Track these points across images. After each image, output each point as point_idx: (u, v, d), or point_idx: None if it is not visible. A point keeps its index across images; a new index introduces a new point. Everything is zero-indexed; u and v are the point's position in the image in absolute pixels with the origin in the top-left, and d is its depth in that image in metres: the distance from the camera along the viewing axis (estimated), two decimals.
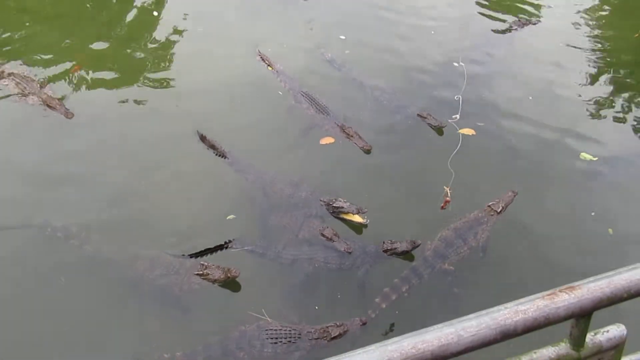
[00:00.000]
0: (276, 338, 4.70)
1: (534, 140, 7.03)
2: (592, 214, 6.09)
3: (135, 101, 7.13)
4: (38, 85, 7.00)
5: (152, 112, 6.99)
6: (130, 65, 7.74)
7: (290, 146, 6.72)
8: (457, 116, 7.07)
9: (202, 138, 6.56)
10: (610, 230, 5.91)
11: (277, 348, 4.69)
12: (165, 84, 7.42)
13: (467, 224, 5.66)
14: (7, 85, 6.98)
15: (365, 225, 5.77)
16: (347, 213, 5.79)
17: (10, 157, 6.28)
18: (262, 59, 7.90)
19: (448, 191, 5.84)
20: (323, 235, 5.56)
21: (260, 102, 7.23)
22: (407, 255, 5.50)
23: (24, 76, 7.07)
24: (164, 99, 7.20)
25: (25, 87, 6.91)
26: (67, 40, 7.93)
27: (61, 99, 6.88)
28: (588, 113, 7.56)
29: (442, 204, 5.80)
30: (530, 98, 7.74)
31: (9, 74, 7.08)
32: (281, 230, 5.72)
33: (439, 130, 6.96)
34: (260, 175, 6.21)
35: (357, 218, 5.77)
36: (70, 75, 7.36)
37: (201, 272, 5.10)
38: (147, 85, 7.39)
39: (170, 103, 7.14)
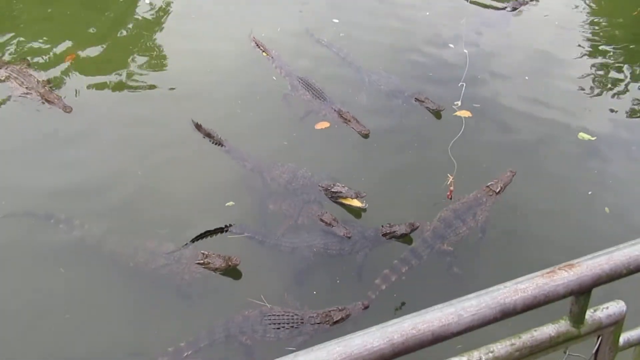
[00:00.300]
0: (279, 323, 4.74)
1: (531, 121, 7.01)
2: (589, 193, 6.11)
3: (127, 86, 7.10)
4: (36, 80, 6.96)
5: (146, 105, 6.93)
6: (125, 59, 7.70)
7: (288, 132, 6.69)
8: (459, 102, 7.02)
9: (198, 127, 6.52)
10: (607, 209, 5.93)
11: (280, 333, 4.72)
12: (160, 77, 7.35)
13: (466, 204, 5.66)
14: (4, 80, 6.94)
15: (364, 210, 5.77)
16: (345, 198, 5.78)
17: (8, 153, 6.26)
18: (257, 45, 7.83)
19: (451, 179, 5.80)
20: (322, 220, 5.56)
21: (255, 89, 7.18)
22: (406, 238, 5.52)
23: (22, 71, 7.03)
24: (158, 91, 7.13)
25: (23, 82, 6.87)
26: (66, 39, 7.83)
27: (59, 96, 6.84)
28: (586, 93, 7.52)
29: (447, 194, 5.75)
30: (527, 78, 7.70)
31: (7, 70, 7.04)
32: (280, 217, 5.74)
33: (437, 114, 6.93)
34: (257, 162, 6.19)
35: (355, 202, 5.76)
36: (66, 64, 7.32)
37: (202, 261, 5.12)
38: (138, 73, 7.36)
39: (164, 93, 7.09)
